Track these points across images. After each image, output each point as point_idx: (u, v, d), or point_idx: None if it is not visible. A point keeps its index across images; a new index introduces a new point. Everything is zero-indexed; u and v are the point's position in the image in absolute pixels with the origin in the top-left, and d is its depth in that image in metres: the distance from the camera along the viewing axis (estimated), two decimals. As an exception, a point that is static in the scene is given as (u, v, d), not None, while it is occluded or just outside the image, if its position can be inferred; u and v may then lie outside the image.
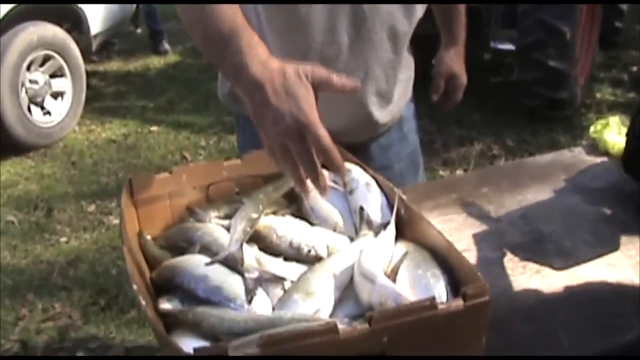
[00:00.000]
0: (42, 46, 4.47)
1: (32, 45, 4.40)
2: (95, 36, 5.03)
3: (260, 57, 1.04)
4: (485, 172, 1.69)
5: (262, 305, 1.10)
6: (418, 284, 1.04)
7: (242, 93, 1.04)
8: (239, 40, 1.05)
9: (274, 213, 1.36)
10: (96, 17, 4.97)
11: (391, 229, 1.17)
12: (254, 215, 1.27)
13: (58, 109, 4.75)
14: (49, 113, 4.71)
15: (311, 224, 1.31)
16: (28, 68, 4.48)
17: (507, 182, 1.61)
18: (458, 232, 1.42)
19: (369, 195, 1.29)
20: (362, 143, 1.64)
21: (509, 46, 4.45)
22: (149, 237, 1.34)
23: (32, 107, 4.59)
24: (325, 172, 1.40)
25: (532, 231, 1.41)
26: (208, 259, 1.20)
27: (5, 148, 4.42)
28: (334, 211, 1.31)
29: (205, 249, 1.25)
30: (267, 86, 1.00)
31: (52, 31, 4.58)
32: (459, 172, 3.73)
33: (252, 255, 1.21)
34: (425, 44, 1.86)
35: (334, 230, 1.29)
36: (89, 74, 5.35)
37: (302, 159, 0.99)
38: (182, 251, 1.28)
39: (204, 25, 1.09)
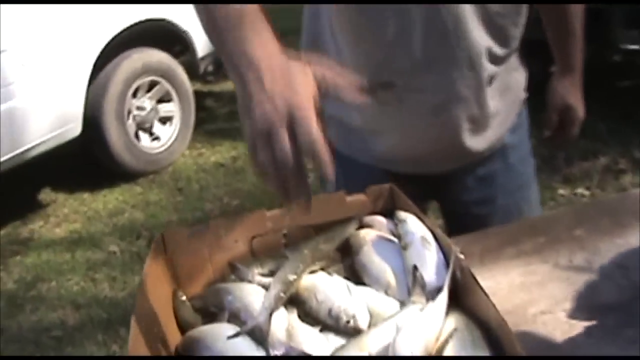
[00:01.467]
0: (147, 72, 4.57)
1: (136, 73, 4.49)
2: (203, 58, 5.08)
3: (263, 39, 0.91)
4: (582, 209, 1.47)
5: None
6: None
7: (234, 74, 0.90)
8: (246, 26, 0.92)
9: (323, 269, 1.23)
10: (203, 39, 5.03)
11: (442, 299, 1.00)
12: (291, 278, 1.15)
13: (166, 133, 4.83)
14: (157, 138, 4.79)
15: (363, 282, 1.16)
16: (134, 94, 4.57)
17: (606, 220, 1.38)
18: (540, 287, 1.22)
19: (425, 252, 1.12)
20: (455, 173, 1.51)
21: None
22: (184, 298, 1.24)
23: (140, 133, 4.68)
24: (382, 219, 1.27)
25: (631, 286, 1.18)
26: (235, 329, 1.09)
27: (114, 176, 4.54)
28: (387, 269, 1.16)
29: (234, 317, 1.13)
30: (263, 64, 0.88)
31: (157, 57, 4.67)
32: (580, 190, 3.43)
33: (283, 325, 1.08)
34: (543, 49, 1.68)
35: (386, 292, 1.14)
36: (205, 95, 5.42)
37: (283, 152, 0.84)
38: (213, 317, 1.17)
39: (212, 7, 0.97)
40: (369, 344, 0.97)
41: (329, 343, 1.04)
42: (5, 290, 3.51)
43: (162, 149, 4.80)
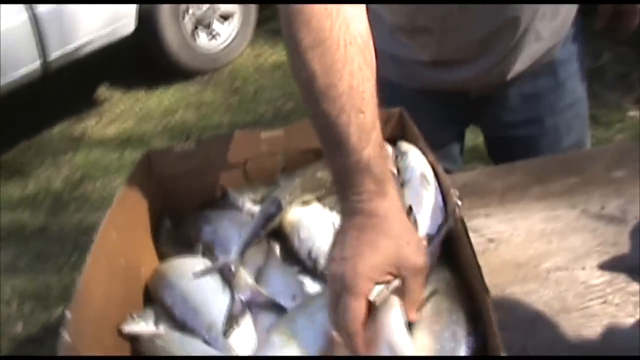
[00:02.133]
0: (205, -33, 4.41)
1: (195, -32, 4.34)
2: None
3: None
4: (627, 148, 1.28)
5: (242, 340, 0.87)
6: (432, 348, 0.75)
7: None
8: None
9: (319, 199, 1.12)
10: None
11: (431, 251, 0.88)
12: (272, 210, 1.04)
13: (226, 31, 4.70)
14: (216, 36, 4.66)
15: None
16: (194, -9, 4.44)
17: (655, 163, 1.21)
18: (562, 237, 1.08)
19: (423, 192, 1.00)
20: (497, 91, 1.37)
21: None
22: (168, 224, 1.15)
23: (199, 31, 4.56)
24: (387, 149, 1.13)
25: (668, 245, 1.03)
26: (205, 265, 1.00)
27: (170, 74, 4.47)
28: None
29: (208, 250, 1.04)
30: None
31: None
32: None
33: (257, 264, 0.98)
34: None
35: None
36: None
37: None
38: (191, 247, 1.08)
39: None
40: None
41: (302, 290, 0.94)
42: (53, 188, 3.55)
43: (221, 47, 4.68)
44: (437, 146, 1.07)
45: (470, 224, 1.14)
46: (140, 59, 4.50)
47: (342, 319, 0.76)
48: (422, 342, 0.76)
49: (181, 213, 1.20)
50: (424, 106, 1.31)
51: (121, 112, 4.29)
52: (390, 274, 0.78)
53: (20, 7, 3.57)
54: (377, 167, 0.80)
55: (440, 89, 1.36)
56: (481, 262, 1.04)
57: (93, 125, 4.19)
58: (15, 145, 4.03)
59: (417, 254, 0.79)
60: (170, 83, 4.48)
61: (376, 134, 0.82)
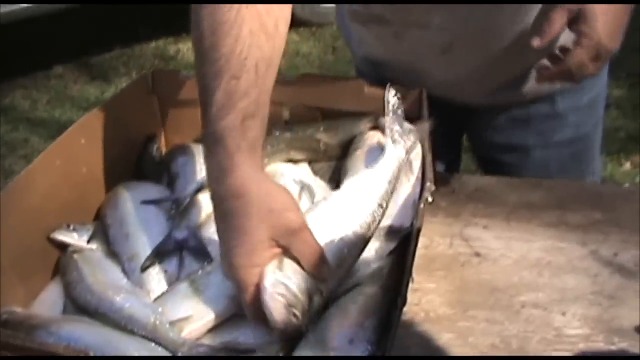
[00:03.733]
0: None
1: None
2: None
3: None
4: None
5: (156, 278, 0.83)
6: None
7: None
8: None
9: (310, 162, 1.06)
10: None
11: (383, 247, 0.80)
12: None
13: (343, -10, 4.62)
14: (332, -8, 4.60)
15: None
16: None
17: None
18: (555, 273, 0.98)
19: (403, 180, 0.92)
20: (484, 108, 1.21)
21: None
22: (155, 145, 1.12)
23: (315, -18, 4.51)
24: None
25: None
26: (160, 194, 0.95)
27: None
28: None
29: (173, 181, 0.99)
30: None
31: None
32: None
33: (201, 213, 0.92)
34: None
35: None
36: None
37: None
38: (161, 176, 1.04)
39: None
40: None
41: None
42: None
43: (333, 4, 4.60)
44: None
45: (465, 231, 1.05)
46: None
47: (248, 313, 0.74)
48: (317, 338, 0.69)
49: (173, 140, 1.17)
50: None
51: (219, 43, 4.30)
52: (273, 247, 0.72)
53: None
54: (232, 140, 0.74)
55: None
56: (456, 274, 0.96)
57: (189, 48, 4.20)
58: (108, 51, 4.10)
59: (286, 217, 0.74)
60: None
61: (246, 103, 0.75)
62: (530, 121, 1.19)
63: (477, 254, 1.00)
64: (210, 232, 0.88)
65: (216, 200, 0.75)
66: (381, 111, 1.07)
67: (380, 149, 1.01)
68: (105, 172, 1.02)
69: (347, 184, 0.86)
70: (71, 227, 0.90)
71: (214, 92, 0.75)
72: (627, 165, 2.96)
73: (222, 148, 0.74)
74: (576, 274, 0.96)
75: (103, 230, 0.92)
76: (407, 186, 0.90)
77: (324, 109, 1.11)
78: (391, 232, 0.85)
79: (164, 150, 1.12)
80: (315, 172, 1.04)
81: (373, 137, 1.04)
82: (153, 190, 0.97)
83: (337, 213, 0.80)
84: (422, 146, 0.95)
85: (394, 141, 0.91)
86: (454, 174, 1.20)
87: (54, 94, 3.75)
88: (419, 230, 0.79)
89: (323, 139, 1.07)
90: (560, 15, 0.89)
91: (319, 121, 1.10)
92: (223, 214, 0.74)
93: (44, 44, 4.09)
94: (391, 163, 0.89)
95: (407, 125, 0.95)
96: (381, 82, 1.04)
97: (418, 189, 0.90)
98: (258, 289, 0.71)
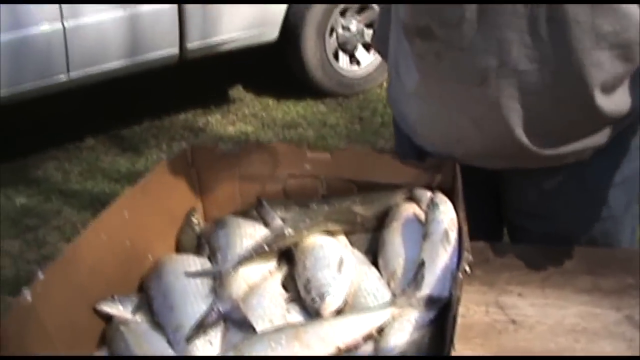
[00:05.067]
0: (365, -7, 4.45)
1: (348, -9, 4.40)
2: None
3: None
4: None
5: (203, 350, 0.85)
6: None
7: None
8: None
9: (347, 234, 1.09)
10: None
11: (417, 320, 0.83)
12: (289, 232, 1.02)
13: (368, 60, 4.72)
14: (357, 63, 4.70)
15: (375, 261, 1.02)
16: (343, 13, 4.49)
17: None
18: (591, 339, 1.00)
19: (440, 250, 0.95)
20: (510, 174, 1.21)
21: None
22: (194, 219, 1.15)
23: (340, 53, 4.61)
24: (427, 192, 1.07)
25: None
26: (202, 267, 0.99)
27: (304, 89, 4.53)
28: (401, 256, 1.01)
29: (213, 254, 1.03)
30: None
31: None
32: None
33: (252, 280, 0.95)
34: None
35: (389, 281, 0.98)
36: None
37: None
38: (202, 249, 1.08)
39: None
40: (305, 338, 0.82)
41: (283, 317, 0.91)
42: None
43: (359, 74, 4.69)
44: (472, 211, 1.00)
45: (501, 298, 1.07)
46: (277, 67, 4.59)
47: None
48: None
49: (212, 213, 1.20)
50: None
51: (247, 114, 4.39)
52: None
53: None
54: None
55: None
56: (493, 342, 0.98)
57: (217, 120, 4.31)
58: (139, 123, 4.21)
59: None
60: (301, 97, 4.53)
61: None
62: (560, 191, 1.19)
63: (513, 322, 1.02)
64: (253, 303, 0.91)
65: None
66: (416, 183, 1.11)
67: (416, 219, 1.05)
68: (148, 245, 1.06)
69: None
70: (116, 299, 0.94)
71: None
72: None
73: None
74: (612, 339, 0.98)
75: (147, 302, 0.95)
76: (445, 256, 0.93)
77: (359, 181, 1.15)
78: (430, 301, 0.88)
79: (203, 223, 1.16)
80: (352, 244, 1.07)
81: (408, 209, 1.07)
82: (195, 263, 1.00)
83: None
84: (458, 216, 0.98)
85: None
86: (487, 242, 1.22)
87: (86, 165, 3.84)
88: (458, 300, 0.82)
89: (359, 211, 1.10)
90: None
91: (355, 194, 1.13)
92: None
93: (76, 116, 4.21)
94: None
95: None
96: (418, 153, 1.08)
97: (455, 259, 0.92)
98: None
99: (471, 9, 1.03)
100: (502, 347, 0.97)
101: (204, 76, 4.40)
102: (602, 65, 1.04)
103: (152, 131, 4.16)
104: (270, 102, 4.54)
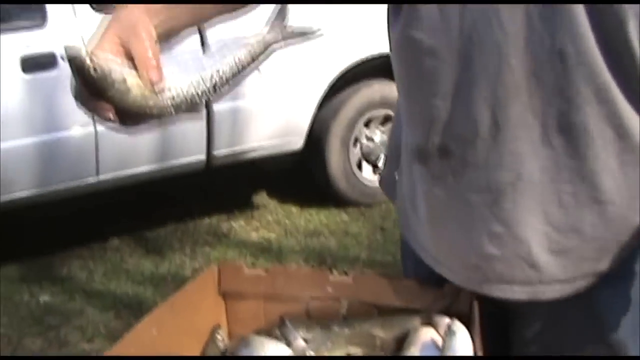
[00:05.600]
0: (384, 105, 4.58)
1: (373, 103, 4.54)
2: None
3: None
4: None
5: None
6: None
7: None
8: None
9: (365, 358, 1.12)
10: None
11: None
12: (310, 353, 1.06)
13: (391, 170, 4.81)
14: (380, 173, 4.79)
15: None
16: (367, 124, 4.62)
17: None
18: None
19: None
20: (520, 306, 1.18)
21: None
22: (219, 337, 1.19)
23: (364, 163, 4.72)
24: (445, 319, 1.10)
25: None
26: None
27: (327, 198, 4.62)
28: None
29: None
30: None
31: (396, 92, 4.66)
32: None
33: None
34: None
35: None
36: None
37: None
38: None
39: None
40: None
41: None
42: (181, 275, 3.72)
43: (382, 184, 4.78)
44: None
45: None
46: (301, 175, 4.70)
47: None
48: None
49: (236, 331, 1.24)
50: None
51: (270, 221, 4.47)
52: (117, 44, 0.94)
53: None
54: None
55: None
56: None
57: (241, 226, 4.39)
58: (164, 226, 4.29)
59: (137, 23, 0.94)
60: (324, 206, 4.61)
61: None
62: (564, 321, 1.16)
63: None
64: None
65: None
66: (434, 308, 1.15)
67: (433, 345, 1.08)
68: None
69: None
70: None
71: None
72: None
73: None
74: None
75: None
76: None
77: (379, 305, 1.19)
78: None
79: (227, 340, 1.20)
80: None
81: (426, 334, 1.11)
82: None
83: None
84: (474, 344, 1.02)
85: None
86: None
87: (110, 266, 3.91)
88: None
89: (379, 334, 1.14)
90: None
91: (375, 317, 1.17)
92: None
93: (102, 215, 4.31)
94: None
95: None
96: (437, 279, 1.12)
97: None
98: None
99: (485, 124, 1.04)
100: None
101: (228, 182, 4.52)
102: (612, 172, 1.04)
103: (177, 235, 4.24)
104: (294, 209, 4.62)
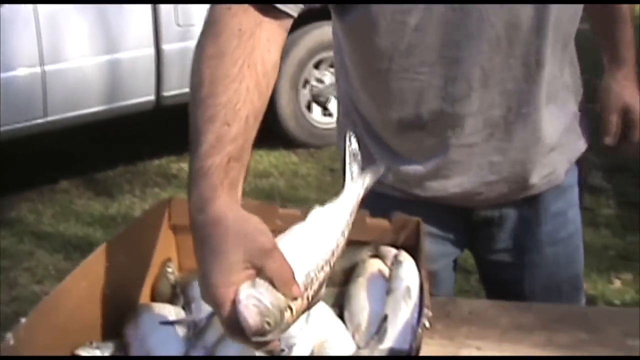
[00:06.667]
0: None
1: (323, 45, 4.50)
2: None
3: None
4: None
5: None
6: None
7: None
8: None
9: None
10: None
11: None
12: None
13: (340, 112, 4.82)
14: (330, 115, 4.79)
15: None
16: (317, 66, 4.59)
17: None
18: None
19: (402, 306, 1.01)
20: (498, 212, 1.33)
21: None
22: (170, 269, 1.19)
23: (313, 105, 4.71)
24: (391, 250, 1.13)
25: None
26: (177, 316, 1.03)
27: (276, 139, 4.60)
28: (366, 311, 1.07)
29: (188, 303, 1.07)
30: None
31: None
32: None
33: (216, 334, 0.99)
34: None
35: (353, 333, 1.03)
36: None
37: None
38: (176, 298, 1.12)
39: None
40: None
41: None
42: (130, 215, 3.69)
43: (332, 126, 4.78)
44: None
45: (460, 352, 1.12)
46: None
47: (225, 329, 0.81)
48: None
49: (186, 263, 1.24)
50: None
51: (219, 163, 4.44)
52: (247, 268, 0.80)
53: (149, 41, 3.84)
54: (216, 176, 0.84)
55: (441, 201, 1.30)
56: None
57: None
58: (113, 168, 4.24)
59: (260, 240, 0.82)
60: (273, 148, 4.60)
61: (234, 148, 0.86)
62: (541, 222, 1.33)
63: (471, 375, 1.07)
64: (229, 352, 0.95)
65: (196, 227, 0.83)
66: (382, 240, 1.17)
67: (381, 276, 1.10)
68: (125, 293, 1.10)
69: (313, 215, 0.95)
70: (94, 345, 0.97)
71: (205, 133, 0.87)
72: (617, 283, 3.05)
73: (207, 182, 0.84)
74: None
75: (124, 348, 0.98)
76: (406, 311, 0.98)
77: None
78: (392, 353, 0.92)
79: (178, 273, 1.20)
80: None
81: (374, 265, 1.12)
82: (170, 312, 1.04)
83: (304, 240, 0.89)
84: (420, 274, 1.04)
85: (352, 179, 1.01)
86: (449, 297, 1.27)
87: (59, 208, 3.86)
88: (417, 352, 0.86)
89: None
90: (617, 115, 1.34)
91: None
92: (202, 240, 0.82)
93: (51, 158, 4.24)
94: (351, 198, 1.00)
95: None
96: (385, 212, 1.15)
97: (416, 314, 0.98)
98: (234, 304, 0.78)
99: (476, 78, 1.16)
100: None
101: (178, 123, 4.46)
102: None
103: (126, 176, 4.20)
104: (243, 151, 4.60)
